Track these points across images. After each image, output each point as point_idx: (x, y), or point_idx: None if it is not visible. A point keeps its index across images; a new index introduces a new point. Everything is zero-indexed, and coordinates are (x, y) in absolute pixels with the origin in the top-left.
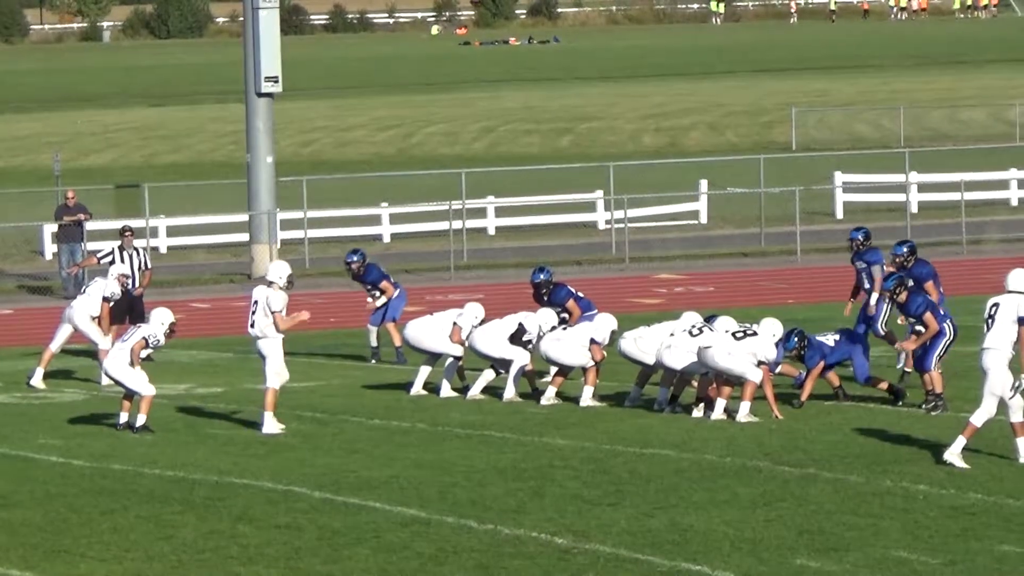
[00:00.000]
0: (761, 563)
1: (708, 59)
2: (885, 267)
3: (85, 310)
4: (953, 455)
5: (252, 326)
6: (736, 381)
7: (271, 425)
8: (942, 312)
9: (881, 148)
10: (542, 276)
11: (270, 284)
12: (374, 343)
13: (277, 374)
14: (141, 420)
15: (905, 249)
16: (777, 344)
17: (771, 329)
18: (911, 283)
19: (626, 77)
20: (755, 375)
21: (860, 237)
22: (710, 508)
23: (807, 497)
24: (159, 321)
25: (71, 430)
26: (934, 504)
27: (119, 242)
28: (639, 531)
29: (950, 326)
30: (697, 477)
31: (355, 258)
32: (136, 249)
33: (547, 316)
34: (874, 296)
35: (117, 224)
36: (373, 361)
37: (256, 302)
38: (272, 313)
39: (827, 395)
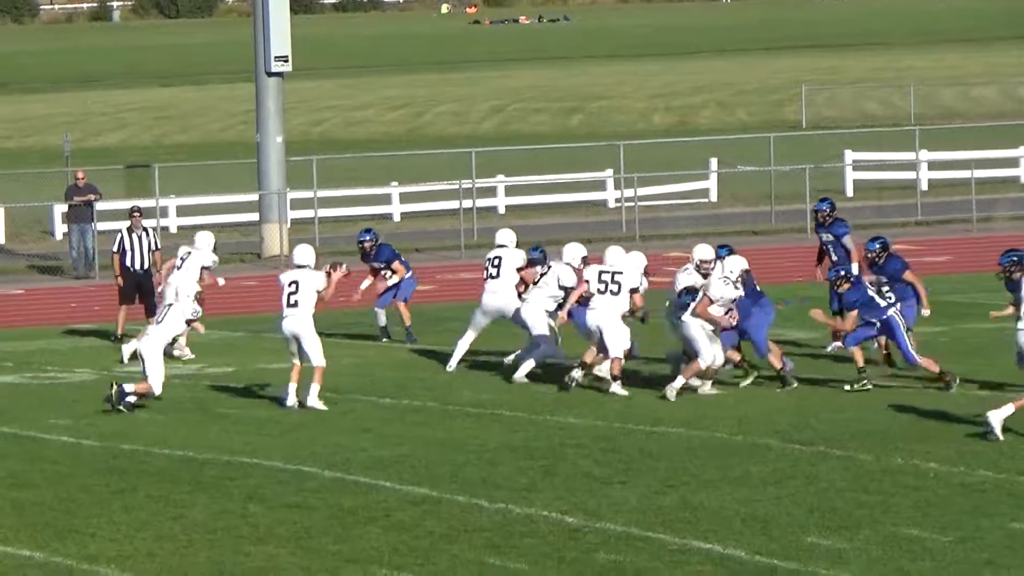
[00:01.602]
0: (772, 541)
1: (718, 37)
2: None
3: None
4: (996, 420)
5: (293, 304)
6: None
7: (316, 401)
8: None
9: (891, 126)
10: (367, 237)
11: (301, 267)
12: (383, 322)
13: (321, 352)
14: (130, 391)
15: (877, 245)
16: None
17: (730, 267)
18: (854, 277)
19: (636, 56)
20: (705, 356)
21: (826, 208)
22: (721, 486)
23: (817, 475)
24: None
25: (81, 410)
26: (944, 482)
27: (128, 223)
28: (650, 509)
29: (898, 315)
30: (707, 455)
31: (367, 237)
32: (145, 229)
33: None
34: (855, 266)
35: (127, 204)
36: (384, 340)
37: (295, 282)
38: (318, 292)
39: (833, 379)
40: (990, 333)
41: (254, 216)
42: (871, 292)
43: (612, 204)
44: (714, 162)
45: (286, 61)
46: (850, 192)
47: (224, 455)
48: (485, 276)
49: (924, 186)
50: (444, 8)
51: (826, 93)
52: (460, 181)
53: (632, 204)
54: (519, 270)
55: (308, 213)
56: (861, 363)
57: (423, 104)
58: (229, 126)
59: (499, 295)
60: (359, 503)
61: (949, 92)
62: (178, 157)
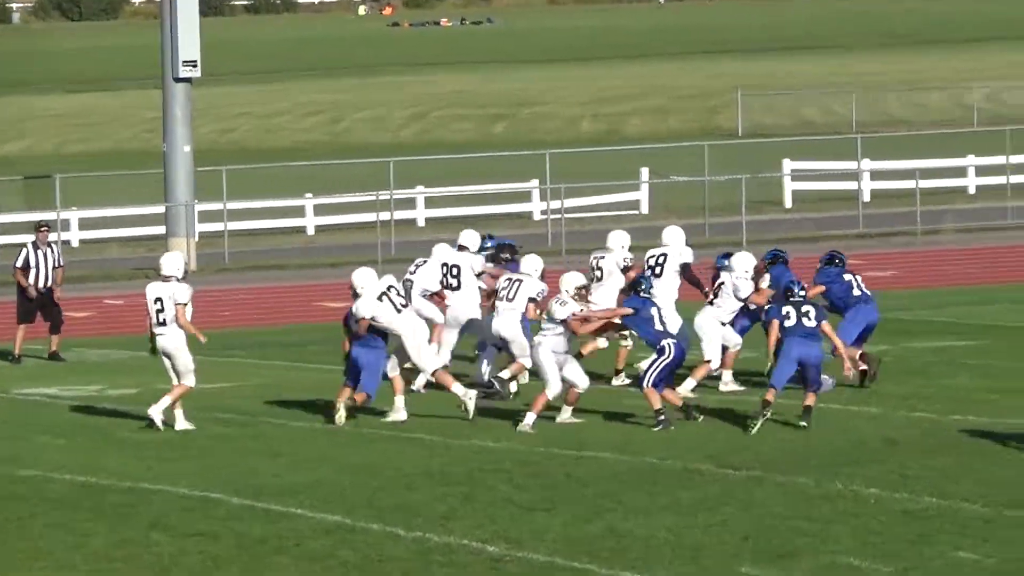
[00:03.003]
0: (704, 571)
1: (651, 41)
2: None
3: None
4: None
5: (162, 323)
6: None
7: (183, 422)
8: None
9: (832, 134)
10: None
11: (167, 279)
12: None
13: (191, 371)
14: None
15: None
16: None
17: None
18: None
19: (563, 60)
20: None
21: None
22: (650, 513)
23: (752, 501)
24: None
25: None
26: (886, 508)
27: (33, 238)
28: (575, 538)
29: (671, 346)
30: (636, 480)
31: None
32: (50, 245)
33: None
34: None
35: (26, 218)
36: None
37: (159, 299)
38: (176, 306)
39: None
40: (935, 352)
41: (160, 229)
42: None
43: (538, 216)
44: (645, 172)
45: (195, 66)
46: (789, 203)
47: (126, 481)
48: (443, 286)
49: (866, 197)
50: (361, 10)
51: (764, 99)
52: (378, 192)
53: (559, 216)
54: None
55: (217, 226)
56: (658, 404)
57: (339, 111)
58: (135, 135)
59: (459, 307)
60: (269, 532)
61: (893, 98)
62: (82, 167)
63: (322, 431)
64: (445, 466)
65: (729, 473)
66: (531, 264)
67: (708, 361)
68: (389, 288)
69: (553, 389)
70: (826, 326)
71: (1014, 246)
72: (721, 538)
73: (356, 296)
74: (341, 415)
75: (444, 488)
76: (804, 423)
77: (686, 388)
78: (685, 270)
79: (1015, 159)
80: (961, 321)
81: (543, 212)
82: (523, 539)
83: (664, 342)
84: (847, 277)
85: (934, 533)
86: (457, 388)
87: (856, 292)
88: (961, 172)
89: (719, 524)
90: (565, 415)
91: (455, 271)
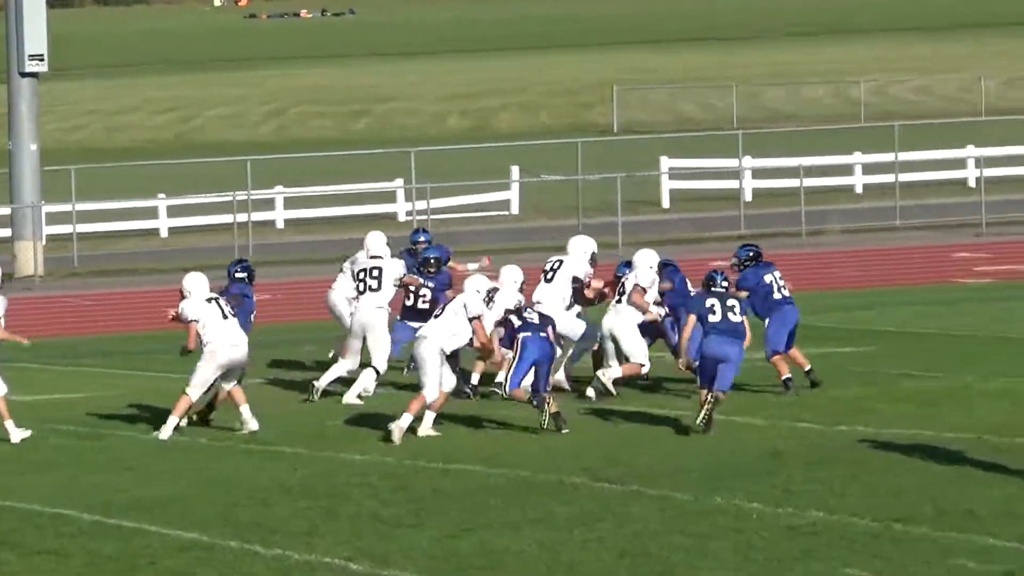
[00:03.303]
0: None
1: (521, 32)
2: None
3: None
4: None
5: None
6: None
7: (17, 433)
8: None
9: (712, 130)
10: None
11: None
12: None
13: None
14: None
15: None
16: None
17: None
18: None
19: (429, 53)
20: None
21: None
22: (523, 528)
23: (629, 516)
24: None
25: None
26: (769, 524)
27: None
28: (444, 555)
29: (524, 342)
30: (508, 494)
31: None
32: None
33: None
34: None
35: None
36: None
37: None
38: None
39: (657, 402)
40: (820, 359)
41: (6, 232)
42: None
43: (403, 217)
44: (515, 170)
45: (42, 60)
46: (666, 203)
47: None
48: (362, 289)
49: (748, 196)
50: (216, 1)
51: (640, 94)
52: (234, 192)
53: (425, 217)
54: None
55: (66, 228)
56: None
57: (193, 107)
58: None
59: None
60: (121, 549)
61: (776, 92)
62: None
63: (175, 444)
64: (306, 480)
65: (605, 487)
66: (510, 275)
67: (641, 365)
68: (222, 294)
69: (431, 394)
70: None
71: (902, 248)
72: (597, 555)
73: (183, 299)
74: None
75: (305, 503)
76: (705, 429)
77: (610, 375)
78: (575, 282)
79: (904, 156)
80: (847, 327)
81: (408, 213)
82: (389, 557)
83: (521, 336)
84: (768, 278)
85: (820, 549)
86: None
87: (776, 295)
88: (847, 170)
89: (595, 540)
90: (427, 423)
91: (375, 272)
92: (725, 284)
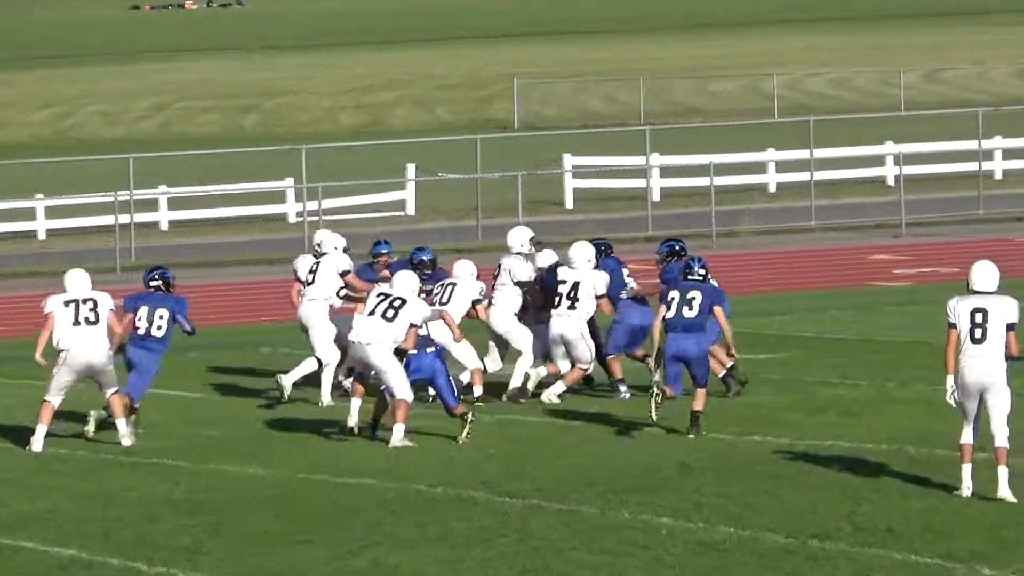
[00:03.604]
0: None
1: (416, 23)
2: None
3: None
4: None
5: None
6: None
7: None
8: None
9: (618, 126)
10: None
11: None
12: None
13: None
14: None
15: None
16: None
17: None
18: None
19: (321, 45)
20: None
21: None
22: (420, 545)
23: (531, 532)
24: None
25: None
26: (679, 539)
27: None
28: (338, 573)
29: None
30: (405, 509)
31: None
32: None
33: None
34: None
35: None
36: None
37: None
38: None
39: (562, 411)
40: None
41: None
42: None
43: (293, 219)
44: (411, 169)
45: None
46: (570, 203)
47: None
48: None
49: (656, 196)
50: None
51: (542, 88)
52: (116, 192)
53: (316, 219)
54: (343, 275)
55: None
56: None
57: (72, 103)
58: None
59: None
60: None
61: (685, 86)
62: None
63: (53, 456)
64: (192, 494)
65: (506, 501)
66: (465, 268)
67: (586, 369)
68: (85, 300)
69: (407, 393)
70: (716, 310)
71: (818, 249)
72: (498, 573)
73: None
74: (89, 430)
75: (190, 519)
76: (692, 434)
77: (554, 392)
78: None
79: (819, 153)
80: (760, 332)
81: (299, 214)
82: (280, 574)
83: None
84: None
85: (732, 566)
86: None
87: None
88: (760, 168)
89: (496, 557)
90: (398, 434)
91: (314, 267)
92: (702, 272)
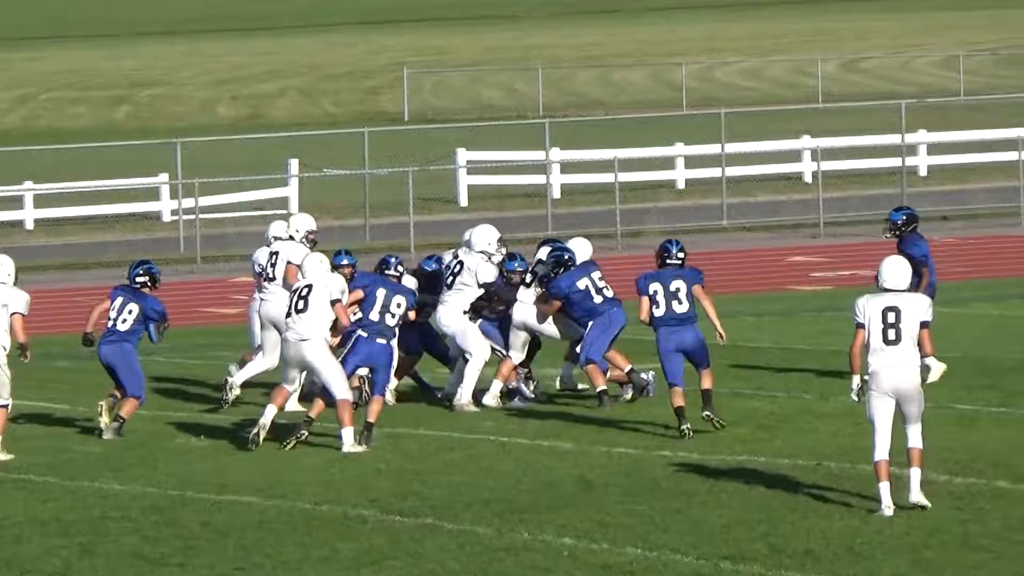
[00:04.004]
0: None
1: (299, 8)
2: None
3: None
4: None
5: None
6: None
7: None
8: None
9: (515, 118)
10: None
11: None
12: None
13: None
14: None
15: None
16: None
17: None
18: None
19: (196, 32)
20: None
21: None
22: (304, 568)
23: (424, 554)
24: None
25: None
26: (583, 561)
27: None
28: None
29: None
30: (287, 529)
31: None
32: None
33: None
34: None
35: None
36: None
37: None
38: None
39: (457, 424)
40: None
41: None
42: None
43: (168, 217)
44: (294, 164)
45: None
46: (464, 200)
47: None
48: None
49: (556, 193)
50: None
51: (434, 78)
52: None
53: (192, 217)
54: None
55: None
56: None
57: None
58: None
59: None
60: None
61: (587, 76)
62: None
63: None
64: (61, 513)
65: (396, 520)
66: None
67: (507, 357)
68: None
69: (346, 392)
70: (698, 290)
71: (730, 251)
72: None
73: None
74: (104, 421)
75: (59, 539)
76: (706, 412)
77: (493, 393)
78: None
79: (731, 148)
80: None
81: (174, 212)
82: None
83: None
84: (582, 284)
85: None
86: None
87: (598, 298)
88: (668, 163)
89: None
90: (348, 439)
91: (273, 260)
92: (681, 256)
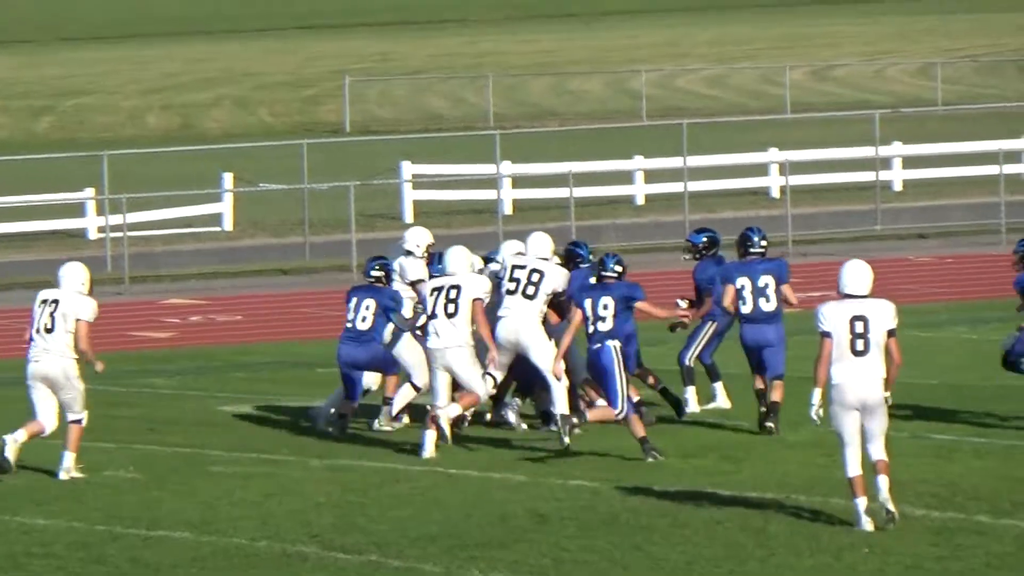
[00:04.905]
0: None
1: (233, 12)
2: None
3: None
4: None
5: None
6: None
7: None
8: None
9: (464, 130)
10: None
11: None
12: None
13: None
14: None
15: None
16: None
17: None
18: None
19: (122, 37)
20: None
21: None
22: None
23: None
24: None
25: None
26: None
27: None
28: None
29: None
30: (223, 567)
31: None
32: None
33: None
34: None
35: None
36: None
37: None
38: None
39: (399, 454)
40: None
41: None
42: None
43: (94, 235)
44: (228, 178)
45: None
46: (409, 217)
47: None
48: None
49: (507, 208)
50: None
51: (377, 86)
52: None
53: (120, 235)
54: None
55: None
56: None
57: None
58: None
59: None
60: None
61: (539, 85)
62: None
63: None
64: None
65: (339, 557)
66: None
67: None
68: None
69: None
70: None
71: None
72: None
73: None
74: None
75: None
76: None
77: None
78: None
79: (693, 161)
80: None
81: (100, 229)
82: None
83: None
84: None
85: None
86: None
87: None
88: (626, 178)
89: None
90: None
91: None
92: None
